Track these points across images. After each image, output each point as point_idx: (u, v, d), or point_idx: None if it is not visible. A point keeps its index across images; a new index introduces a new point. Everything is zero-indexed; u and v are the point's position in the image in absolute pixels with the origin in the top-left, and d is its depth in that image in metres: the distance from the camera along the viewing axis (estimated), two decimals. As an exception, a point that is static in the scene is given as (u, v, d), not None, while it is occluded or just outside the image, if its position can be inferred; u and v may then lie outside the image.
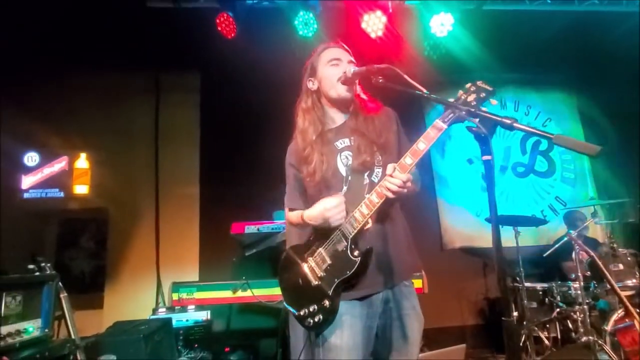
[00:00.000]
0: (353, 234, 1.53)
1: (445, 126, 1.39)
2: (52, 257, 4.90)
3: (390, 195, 1.45)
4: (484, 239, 4.81)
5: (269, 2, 3.55)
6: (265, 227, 3.35)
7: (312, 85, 1.74)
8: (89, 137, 4.74)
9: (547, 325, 3.54)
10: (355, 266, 1.52)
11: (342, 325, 1.54)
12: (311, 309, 1.56)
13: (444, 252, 4.87)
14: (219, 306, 3.78)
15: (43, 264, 1.72)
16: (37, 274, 1.71)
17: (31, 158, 4.71)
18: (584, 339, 2.87)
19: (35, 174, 4.71)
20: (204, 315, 3.80)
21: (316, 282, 1.58)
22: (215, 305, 3.74)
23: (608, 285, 2.80)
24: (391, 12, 3.39)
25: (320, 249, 1.61)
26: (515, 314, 3.77)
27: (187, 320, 3.75)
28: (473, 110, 1.26)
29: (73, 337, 1.72)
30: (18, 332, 1.59)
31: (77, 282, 4.82)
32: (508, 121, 1.12)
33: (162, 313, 3.80)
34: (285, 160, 1.79)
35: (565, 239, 3.23)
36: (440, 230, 4.92)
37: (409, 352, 1.60)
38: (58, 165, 4.76)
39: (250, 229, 3.31)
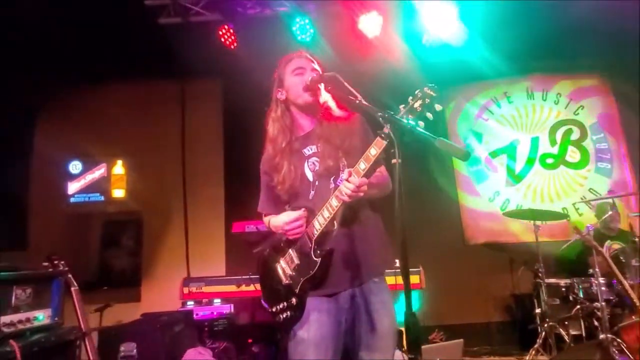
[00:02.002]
0: (316, 236, 1.61)
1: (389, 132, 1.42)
2: (97, 256, 5.42)
3: (346, 199, 1.50)
4: (509, 234, 4.64)
5: (270, 10, 3.67)
6: (264, 226, 3.48)
7: (280, 95, 1.80)
8: (123, 145, 5.16)
9: (566, 322, 3.36)
10: (317, 266, 1.59)
11: (309, 320, 1.61)
12: (281, 306, 1.66)
13: (467, 247, 4.76)
14: (242, 300, 3.98)
15: (56, 262, 1.98)
16: (49, 270, 1.97)
17: (75, 166, 5.20)
18: (601, 336, 2.72)
19: (79, 180, 5.20)
20: (228, 309, 4.03)
21: (287, 281, 1.67)
22: (239, 299, 3.95)
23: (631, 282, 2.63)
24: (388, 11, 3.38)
25: (290, 249, 1.70)
26: (537, 310, 3.65)
27: (212, 313, 4.00)
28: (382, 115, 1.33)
29: (82, 325, 1.94)
30: (28, 320, 1.83)
31: (118, 278, 5.27)
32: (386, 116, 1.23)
33: (190, 306, 4.07)
34: (260, 168, 1.88)
35: (577, 236, 3.06)
36: (462, 225, 4.81)
37: (379, 346, 1.61)
38: (98, 172, 5.22)
39: (250, 228, 3.46)
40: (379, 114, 1.36)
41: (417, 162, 4.43)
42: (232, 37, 3.81)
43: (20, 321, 1.78)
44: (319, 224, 1.60)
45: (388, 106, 1.39)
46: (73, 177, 5.16)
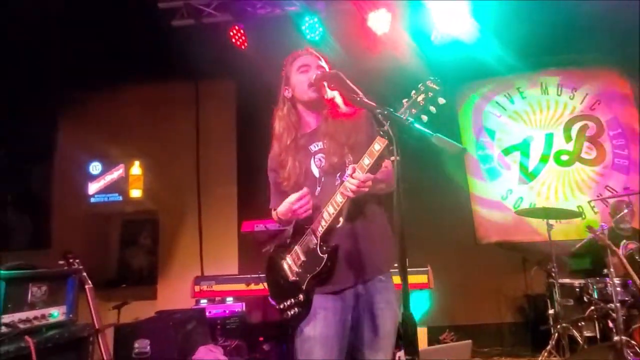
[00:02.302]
0: (322, 231, 1.63)
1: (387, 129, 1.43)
2: (116, 254, 5.59)
3: (350, 194, 1.51)
4: (522, 233, 4.57)
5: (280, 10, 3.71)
6: (273, 225, 3.53)
7: (287, 93, 1.83)
8: (140, 146, 5.31)
9: (580, 324, 3.30)
10: (323, 262, 1.60)
11: (315, 317, 1.62)
12: (288, 303, 1.68)
13: (479, 246, 4.71)
14: (254, 298, 4.05)
15: (71, 260, 2.07)
16: (64, 268, 2.06)
17: (95, 167, 5.39)
18: (615, 338, 2.66)
19: (98, 180, 5.39)
20: (240, 307, 4.11)
21: (293, 278, 1.69)
22: (251, 298, 4.02)
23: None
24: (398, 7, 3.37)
25: (296, 246, 1.71)
26: (551, 311, 3.58)
27: (224, 311, 4.08)
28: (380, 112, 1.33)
29: (95, 322, 2.03)
30: (43, 316, 1.93)
31: (136, 276, 5.43)
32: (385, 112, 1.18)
33: (203, 304, 4.17)
34: (268, 166, 1.91)
35: (590, 235, 2.99)
36: (474, 224, 4.75)
37: (380, 346, 1.62)
38: (117, 173, 5.39)
39: (259, 227, 3.52)
40: (378, 111, 1.36)
41: (427, 159, 4.39)
42: (243, 38, 3.87)
43: (35, 318, 1.87)
44: (324, 220, 1.62)
45: (391, 103, 1.39)
46: (93, 177, 5.35)
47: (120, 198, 5.31)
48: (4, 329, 1.76)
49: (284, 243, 1.81)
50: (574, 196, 4.65)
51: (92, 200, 5.34)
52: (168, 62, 4.60)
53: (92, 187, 5.36)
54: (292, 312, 1.67)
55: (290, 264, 1.73)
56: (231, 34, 3.86)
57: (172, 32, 4.13)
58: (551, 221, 3.62)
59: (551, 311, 3.55)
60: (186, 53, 4.38)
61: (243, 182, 5.13)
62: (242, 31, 3.81)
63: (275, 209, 1.91)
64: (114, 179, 5.37)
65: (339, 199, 1.58)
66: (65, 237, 4.98)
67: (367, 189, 1.52)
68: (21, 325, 1.82)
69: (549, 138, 4.83)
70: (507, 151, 4.88)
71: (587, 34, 4.35)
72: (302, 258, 1.68)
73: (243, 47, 3.90)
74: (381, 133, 1.37)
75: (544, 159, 4.78)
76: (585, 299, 3.44)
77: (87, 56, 4.41)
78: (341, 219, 1.63)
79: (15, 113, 5.09)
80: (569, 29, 4.27)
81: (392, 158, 1.26)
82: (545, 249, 3.69)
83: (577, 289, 3.50)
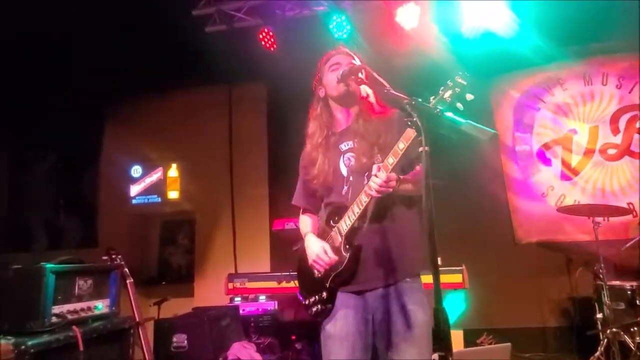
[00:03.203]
0: (346, 230, 1.64)
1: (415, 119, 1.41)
2: (156, 254, 5.86)
3: (374, 193, 1.51)
4: (565, 232, 4.33)
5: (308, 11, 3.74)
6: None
7: (321, 92, 1.86)
8: (177, 149, 5.55)
9: (632, 329, 3.07)
10: (345, 261, 1.61)
11: (336, 315, 1.65)
12: (313, 299, 1.71)
13: (518, 246, 4.51)
14: (287, 297, 4.10)
15: (114, 256, 2.20)
16: (108, 263, 2.19)
17: (136, 170, 5.69)
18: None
19: (139, 183, 5.68)
20: (272, 305, 4.17)
21: (318, 275, 1.71)
22: (284, 296, 4.08)
23: None
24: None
25: (323, 244, 1.73)
26: (599, 315, 3.37)
27: (257, 309, 4.16)
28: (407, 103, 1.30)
29: (136, 315, 2.14)
30: (89, 308, 2.07)
31: (174, 274, 5.67)
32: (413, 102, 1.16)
33: (237, 302, 4.27)
34: (299, 163, 1.95)
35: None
36: (513, 223, 4.56)
37: (415, 337, 1.55)
38: (156, 175, 5.66)
39: (290, 225, 3.56)
40: (405, 101, 1.34)
41: (461, 156, 4.28)
42: (272, 40, 3.95)
43: (82, 309, 2.01)
44: (349, 219, 1.63)
45: (422, 97, 1.36)
46: (134, 180, 5.65)
47: (159, 199, 5.57)
48: (54, 319, 1.90)
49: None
50: (624, 192, 4.34)
51: (134, 201, 5.64)
52: (203, 68, 4.76)
53: (134, 190, 5.66)
54: (315, 309, 1.71)
55: None
56: (260, 36, 3.94)
57: (206, 38, 4.27)
58: (598, 219, 3.42)
59: (599, 315, 3.34)
60: (219, 58, 4.52)
61: (274, 182, 5.21)
62: (270, 33, 3.88)
63: (302, 209, 1.95)
64: (153, 182, 5.65)
65: (363, 198, 1.58)
66: (111, 237, 5.26)
67: (390, 189, 1.51)
68: (69, 316, 1.95)
69: (594, 131, 4.55)
70: (547, 146, 4.65)
71: (636, 17, 4.05)
72: None
73: (272, 49, 3.96)
74: (409, 123, 1.34)
75: (588, 154, 4.50)
76: (638, 302, 3.20)
77: (130, 64, 4.65)
78: (366, 219, 1.63)
79: (67, 120, 5.48)
80: (615, 12, 3.98)
81: (421, 149, 1.23)
82: (591, 248, 3.48)
83: (629, 292, 3.26)
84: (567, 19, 3.89)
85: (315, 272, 1.71)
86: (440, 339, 1.27)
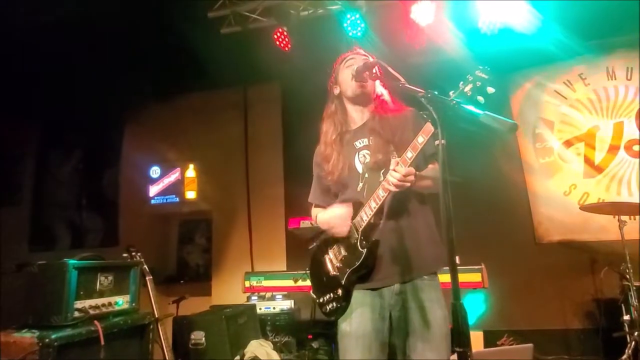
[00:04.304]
0: (363, 226, 1.63)
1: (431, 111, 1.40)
2: (175, 253, 5.95)
3: (392, 188, 1.50)
4: (589, 231, 4.19)
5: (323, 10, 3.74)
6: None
7: (335, 90, 1.87)
8: (194, 150, 5.63)
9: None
10: (362, 257, 1.60)
11: (352, 313, 1.63)
12: (327, 297, 1.70)
13: (539, 245, 4.39)
14: (303, 296, 4.11)
15: (134, 253, 2.25)
16: (127, 260, 2.23)
17: (155, 171, 5.80)
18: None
19: (158, 183, 5.79)
20: (289, 304, 4.19)
21: (334, 273, 1.71)
22: (300, 295, 4.08)
23: None
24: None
25: (338, 241, 1.74)
26: (626, 317, 3.26)
27: (274, 308, 4.18)
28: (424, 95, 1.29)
29: (155, 311, 2.18)
30: (110, 304, 2.12)
31: (193, 273, 5.75)
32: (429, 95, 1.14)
33: (253, 300, 4.30)
34: (313, 160, 1.96)
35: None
36: (533, 222, 4.44)
37: (433, 334, 1.53)
38: (174, 176, 5.76)
39: (305, 223, 3.56)
40: (421, 94, 1.33)
41: (480, 152, 4.21)
42: (286, 40, 3.96)
43: (103, 305, 2.07)
44: (365, 215, 1.62)
45: (439, 93, 1.34)
46: (153, 180, 5.76)
47: (177, 199, 5.66)
48: (77, 314, 1.95)
49: (327, 239, 1.83)
50: (651, 190, 4.19)
51: (153, 202, 5.74)
52: (218, 70, 4.82)
53: (153, 190, 5.77)
54: (330, 307, 1.69)
55: (331, 258, 1.75)
56: (275, 37, 3.96)
57: (221, 40, 4.32)
58: (623, 218, 3.30)
59: (627, 317, 3.23)
60: (234, 59, 4.57)
61: (290, 182, 5.23)
62: (285, 34, 3.89)
63: (314, 205, 1.95)
64: (171, 182, 5.74)
65: (381, 193, 1.57)
66: (131, 236, 5.35)
67: (409, 184, 1.49)
68: (91, 311, 2.00)
69: (619, 127, 4.40)
70: (569, 143, 4.52)
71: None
72: (343, 253, 1.70)
73: (287, 49, 3.98)
74: (425, 116, 1.33)
75: (612, 150, 4.35)
76: (666, 304, 3.08)
77: (147, 68, 4.75)
78: (383, 215, 1.62)
79: (89, 121, 5.63)
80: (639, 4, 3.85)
81: (437, 142, 1.22)
82: (617, 248, 3.36)
83: (657, 293, 3.14)
84: (589, 12, 3.78)
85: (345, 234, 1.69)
86: (458, 333, 1.25)
